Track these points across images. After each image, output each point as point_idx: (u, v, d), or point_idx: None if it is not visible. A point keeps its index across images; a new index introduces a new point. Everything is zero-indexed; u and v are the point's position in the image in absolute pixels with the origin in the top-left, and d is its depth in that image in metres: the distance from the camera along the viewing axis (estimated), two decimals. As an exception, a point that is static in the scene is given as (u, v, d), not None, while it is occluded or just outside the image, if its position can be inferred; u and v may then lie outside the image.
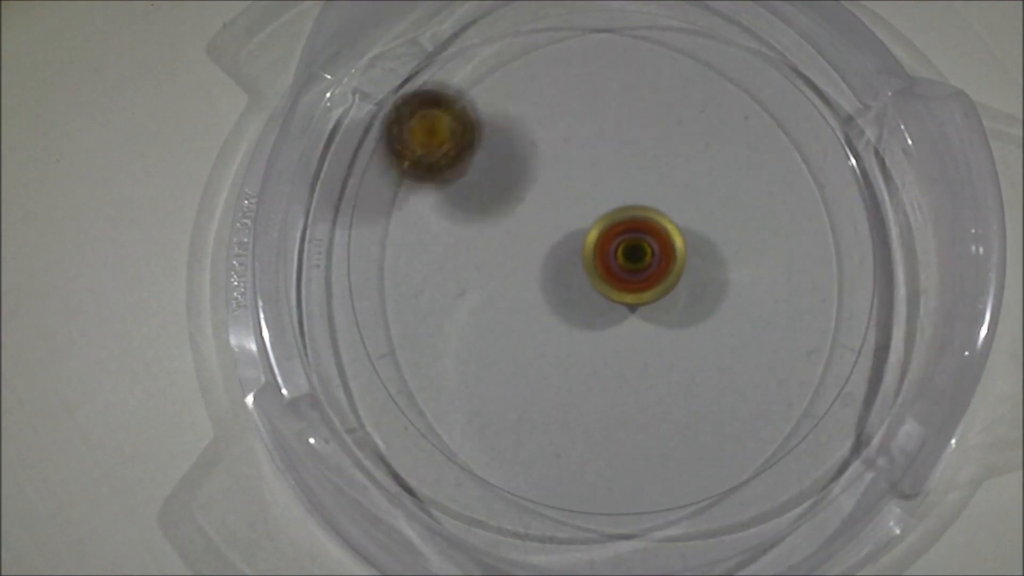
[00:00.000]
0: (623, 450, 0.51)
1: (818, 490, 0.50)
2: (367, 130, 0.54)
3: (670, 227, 0.49)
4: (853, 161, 0.53)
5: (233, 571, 0.51)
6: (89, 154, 0.55)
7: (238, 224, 0.52)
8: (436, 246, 0.53)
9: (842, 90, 0.53)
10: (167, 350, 0.53)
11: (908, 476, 0.49)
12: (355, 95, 0.54)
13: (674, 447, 0.51)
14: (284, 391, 0.50)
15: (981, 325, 0.48)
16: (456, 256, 0.53)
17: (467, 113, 0.50)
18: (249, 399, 0.50)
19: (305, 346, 0.52)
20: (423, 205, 0.53)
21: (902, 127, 0.52)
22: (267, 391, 0.50)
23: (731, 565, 0.50)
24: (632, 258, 0.49)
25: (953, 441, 0.50)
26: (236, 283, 0.51)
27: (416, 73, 0.54)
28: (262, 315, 0.50)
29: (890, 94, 0.52)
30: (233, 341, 0.51)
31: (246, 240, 0.51)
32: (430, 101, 0.50)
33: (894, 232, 0.52)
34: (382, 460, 0.51)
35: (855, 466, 0.50)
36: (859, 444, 0.51)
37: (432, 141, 0.49)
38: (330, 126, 0.54)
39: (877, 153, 0.53)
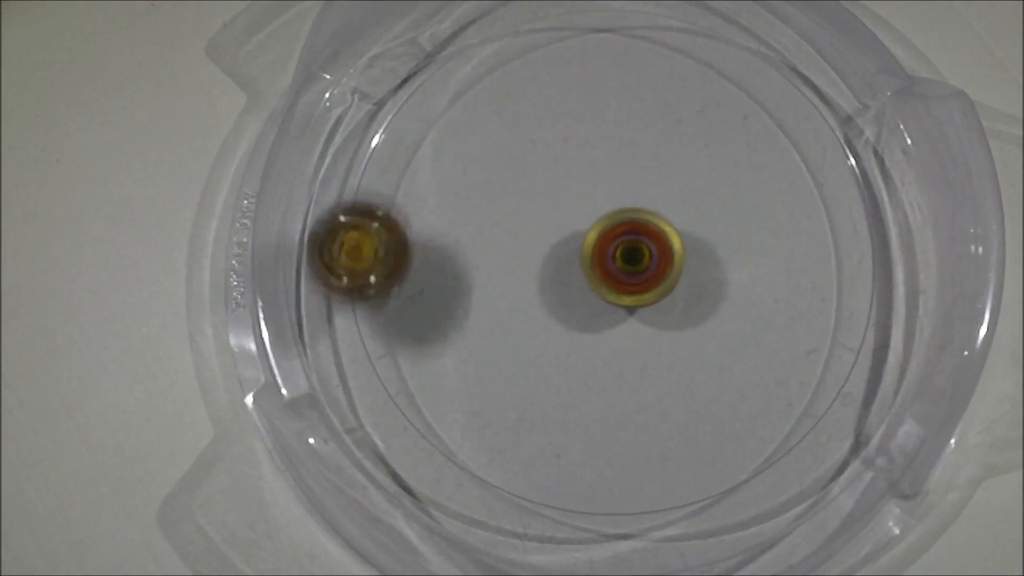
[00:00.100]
0: (622, 450, 0.51)
1: (817, 490, 0.50)
2: (366, 130, 0.54)
3: (668, 229, 0.49)
4: (852, 161, 0.53)
5: (233, 571, 0.51)
6: (89, 154, 0.55)
7: (237, 224, 0.52)
8: (435, 246, 0.53)
9: (841, 90, 0.53)
10: (167, 350, 0.53)
11: (907, 476, 0.49)
12: (354, 95, 0.54)
13: (673, 447, 0.51)
14: (284, 391, 0.50)
15: (980, 325, 0.48)
16: (455, 256, 0.53)
17: (395, 234, 0.49)
18: (249, 399, 0.50)
19: (304, 346, 0.52)
20: (422, 205, 0.53)
21: (901, 127, 0.52)
22: (266, 391, 0.50)
23: (730, 565, 0.50)
24: (630, 260, 0.49)
25: (952, 441, 0.50)
26: (235, 283, 0.52)
27: (415, 73, 0.55)
28: (261, 315, 0.50)
29: (889, 94, 0.52)
30: (233, 341, 0.51)
31: (245, 240, 0.52)
32: (356, 222, 0.49)
33: (893, 232, 0.52)
34: (381, 460, 0.51)
35: (854, 466, 0.50)
36: (858, 444, 0.51)
37: (358, 263, 0.48)
38: (329, 126, 0.54)
39: (876, 153, 0.53)
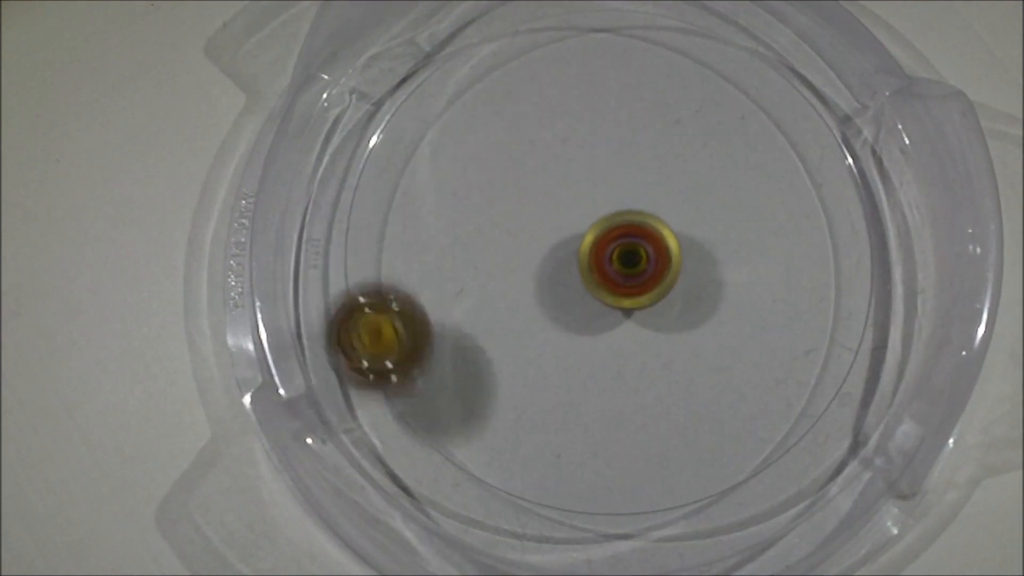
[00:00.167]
0: (621, 450, 0.51)
1: (816, 490, 0.50)
2: (365, 130, 0.54)
3: (665, 232, 0.49)
4: (850, 161, 0.53)
5: (231, 571, 0.51)
6: (89, 154, 0.55)
7: (236, 224, 0.52)
8: (434, 246, 0.53)
9: (839, 90, 0.53)
10: (166, 350, 0.53)
11: (906, 476, 0.49)
12: (352, 95, 0.54)
13: (672, 447, 0.51)
14: (281, 391, 0.50)
15: (979, 325, 0.48)
16: (454, 256, 0.53)
17: (414, 318, 0.48)
18: (247, 399, 0.50)
19: (302, 346, 0.52)
20: (421, 205, 0.53)
21: (900, 127, 0.52)
22: (264, 391, 0.50)
23: (729, 565, 0.50)
24: (627, 263, 0.49)
25: (951, 441, 0.50)
26: (234, 283, 0.52)
27: (413, 73, 0.55)
28: (259, 315, 0.50)
29: (888, 94, 0.52)
30: (231, 341, 0.51)
31: (244, 240, 0.52)
32: (375, 303, 0.48)
33: (892, 232, 0.52)
34: (379, 460, 0.51)
35: (853, 466, 0.50)
36: (857, 444, 0.51)
37: (379, 348, 0.47)
38: (327, 126, 0.54)
39: (875, 153, 0.53)
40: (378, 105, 0.54)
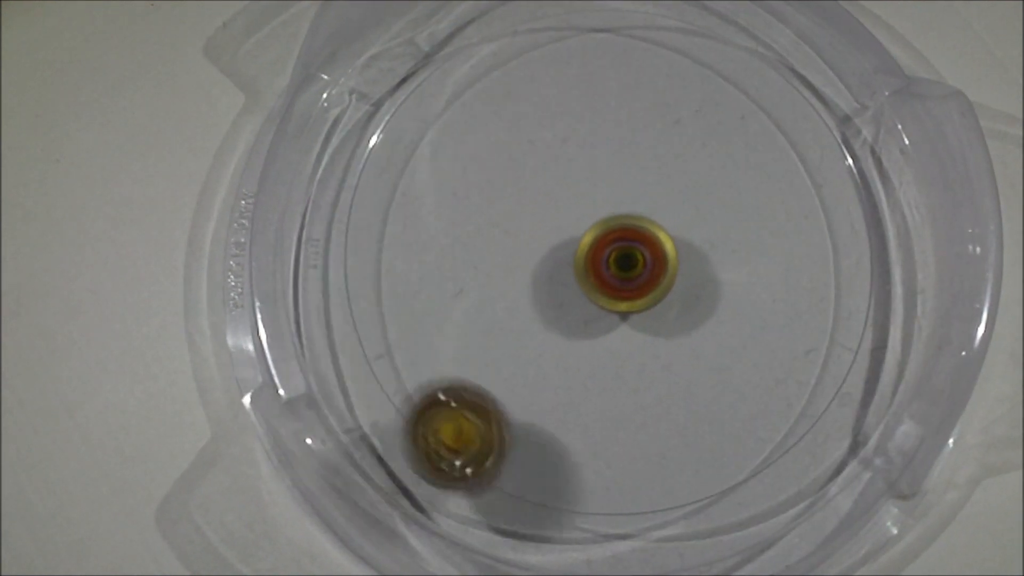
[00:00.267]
0: (621, 450, 0.51)
1: (816, 490, 0.50)
2: (364, 130, 0.54)
3: (662, 235, 0.49)
4: (850, 161, 0.53)
5: (231, 571, 0.51)
6: (89, 154, 0.55)
7: (235, 224, 0.52)
8: (433, 246, 0.53)
9: (839, 90, 0.53)
10: (166, 350, 0.53)
11: (906, 476, 0.49)
12: (352, 95, 0.54)
13: (672, 447, 0.51)
14: (281, 391, 0.50)
15: (978, 325, 0.48)
16: (453, 256, 0.53)
17: (492, 415, 0.48)
18: (246, 399, 0.50)
19: (302, 346, 0.52)
20: (420, 205, 0.53)
21: (899, 127, 0.52)
22: (264, 391, 0.50)
23: (729, 565, 0.50)
24: (624, 267, 0.49)
25: (951, 441, 0.50)
26: (233, 283, 0.52)
27: (413, 73, 0.55)
28: (259, 315, 0.50)
29: (887, 94, 0.52)
30: (230, 341, 0.51)
31: (243, 240, 0.52)
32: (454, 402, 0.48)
33: (891, 232, 0.52)
34: (379, 460, 0.51)
35: (852, 466, 0.50)
36: (857, 444, 0.51)
37: (458, 444, 0.47)
38: (327, 126, 0.54)
39: (874, 153, 0.53)
40: (378, 105, 0.54)
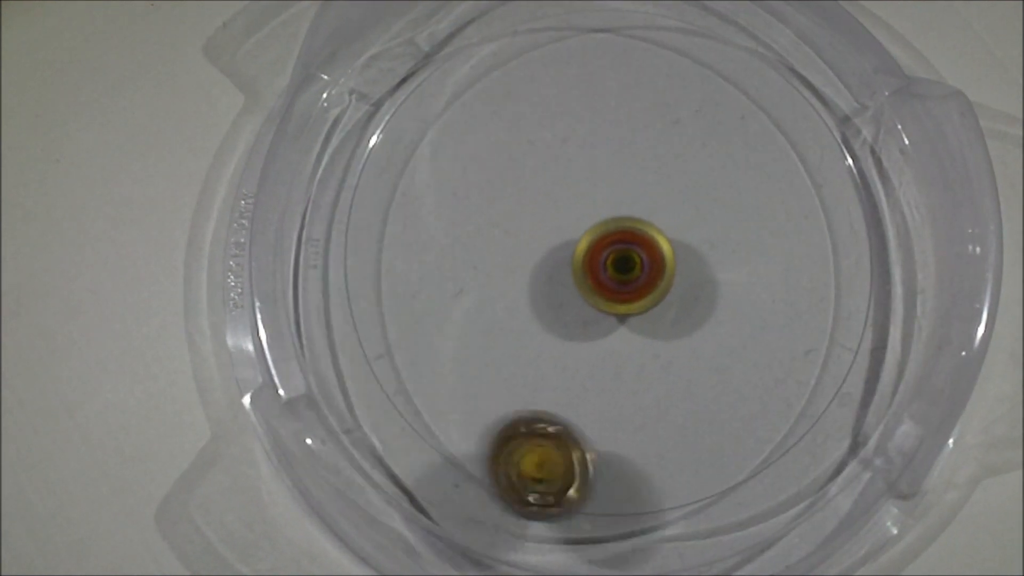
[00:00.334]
0: (620, 450, 0.51)
1: (815, 490, 0.50)
2: (364, 130, 0.54)
3: (659, 238, 0.49)
4: (850, 161, 0.53)
5: (231, 571, 0.51)
6: (89, 154, 0.55)
7: (235, 224, 0.52)
8: (433, 246, 0.53)
9: (839, 90, 0.53)
10: (166, 350, 0.53)
11: (905, 476, 0.49)
12: (352, 95, 0.54)
13: (671, 447, 0.51)
14: (281, 391, 0.50)
15: (978, 325, 0.48)
16: (453, 256, 0.53)
17: (573, 444, 0.49)
18: (246, 399, 0.50)
19: (302, 346, 0.52)
20: (420, 205, 0.53)
21: (899, 127, 0.52)
22: (264, 391, 0.50)
23: (729, 565, 0.50)
24: (621, 269, 0.49)
25: (951, 441, 0.50)
26: (233, 283, 0.52)
27: (413, 73, 0.55)
28: (259, 315, 0.50)
29: (887, 94, 0.52)
30: (230, 341, 0.51)
31: (243, 240, 0.52)
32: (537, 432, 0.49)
33: (891, 232, 0.52)
34: (379, 461, 0.51)
35: (852, 466, 0.50)
36: (856, 444, 0.51)
37: (541, 476, 0.48)
38: (327, 126, 0.54)
39: (874, 153, 0.53)
40: (378, 105, 0.54)
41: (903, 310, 0.51)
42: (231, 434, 0.52)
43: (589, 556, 0.51)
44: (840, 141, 0.53)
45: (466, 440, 0.51)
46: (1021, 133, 0.53)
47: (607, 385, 0.51)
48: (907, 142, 0.52)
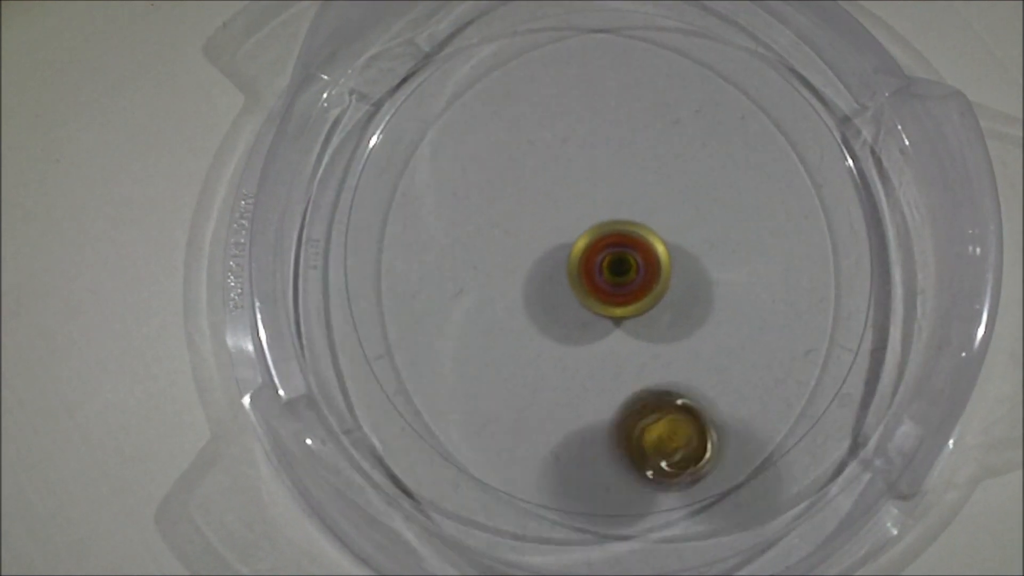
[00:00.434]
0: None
1: (815, 491, 0.50)
2: (364, 130, 0.54)
3: (655, 241, 0.49)
4: (850, 161, 0.53)
5: (230, 571, 0.51)
6: (89, 154, 0.55)
7: (235, 224, 0.52)
8: (433, 247, 0.53)
9: (839, 90, 0.53)
10: (166, 350, 0.53)
11: (905, 476, 0.49)
12: (352, 96, 0.54)
13: (671, 447, 0.51)
14: (281, 392, 0.50)
15: (978, 325, 0.48)
16: (453, 256, 0.53)
17: (701, 415, 0.50)
18: (246, 400, 0.50)
19: (302, 347, 0.52)
20: (420, 205, 0.53)
21: (899, 127, 0.52)
22: (264, 392, 0.50)
23: (729, 565, 0.50)
24: (617, 272, 0.49)
25: (951, 441, 0.50)
26: (233, 283, 0.52)
27: (413, 73, 0.55)
28: (259, 316, 0.50)
29: (887, 94, 0.52)
30: (230, 342, 0.51)
31: (243, 241, 0.52)
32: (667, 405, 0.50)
33: (891, 232, 0.52)
34: (379, 461, 0.51)
35: (852, 466, 0.50)
36: (856, 444, 0.51)
37: (672, 447, 0.48)
38: (327, 126, 0.54)
39: (874, 153, 0.53)
40: (378, 105, 0.54)
41: (903, 310, 0.51)
42: (231, 434, 0.52)
43: (589, 556, 0.51)
44: (840, 141, 0.53)
45: (466, 440, 0.51)
46: (1021, 133, 0.53)
47: (607, 385, 0.51)
48: (907, 142, 0.52)
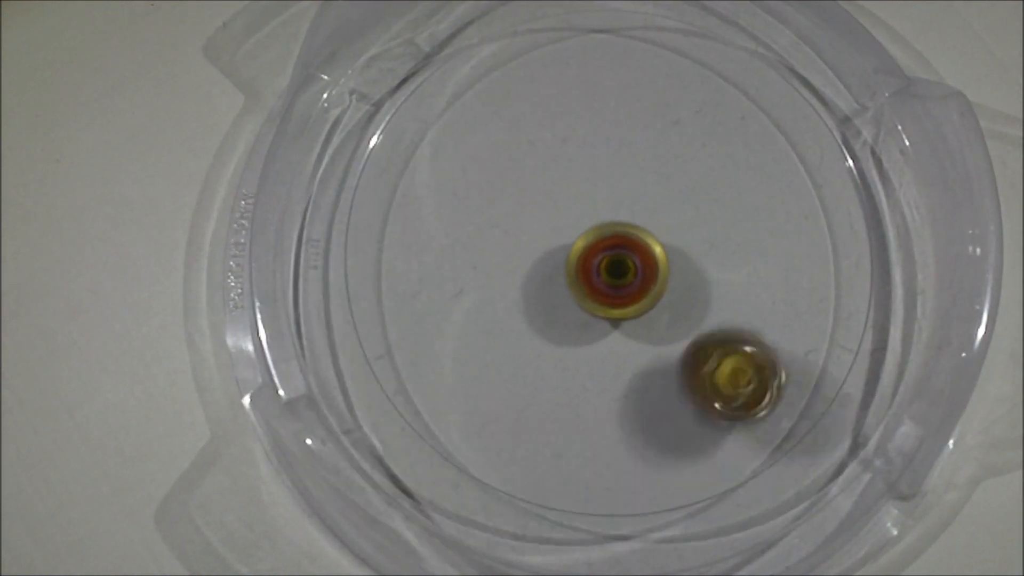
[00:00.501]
0: (620, 451, 0.51)
1: (816, 491, 0.50)
2: (364, 130, 0.54)
3: (652, 243, 0.49)
4: (850, 162, 0.53)
5: (230, 571, 0.51)
6: (89, 154, 0.55)
7: (235, 224, 0.52)
8: (433, 246, 0.53)
9: (839, 90, 0.53)
10: (166, 350, 0.53)
11: (905, 477, 0.49)
12: (352, 96, 0.54)
13: (672, 448, 0.51)
14: (281, 392, 0.50)
15: (978, 325, 0.48)
16: (453, 257, 0.53)
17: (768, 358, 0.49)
18: (246, 400, 0.50)
19: (302, 347, 0.52)
20: (420, 205, 0.53)
21: (899, 127, 0.52)
22: (264, 392, 0.50)
23: (729, 566, 0.50)
24: (615, 274, 0.49)
25: (951, 442, 0.50)
26: (233, 283, 0.52)
27: (413, 73, 0.55)
28: (259, 316, 0.50)
29: (887, 94, 0.52)
30: (230, 342, 0.51)
31: (243, 241, 0.52)
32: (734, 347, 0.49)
33: (891, 233, 0.52)
34: (379, 461, 0.51)
35: (852, 467, 0.50)
36: (856, 445, 0.51)
37: (738, 381, 0.48)
38: (327, 127, 0.54)
39: (874, 153, 0.53)
40: (378, 106, 0.54)
41: (903, 311, 0.51)
42: (231, 434, 0.52)
43: (588, 557, 0.51)
44: (840, 142, 0.53)
45: (466, 440, 0.51)
46: (1021, 133, 0.53)
47: (607, 385, 0.51)
48: (907, 143, 0.52)
